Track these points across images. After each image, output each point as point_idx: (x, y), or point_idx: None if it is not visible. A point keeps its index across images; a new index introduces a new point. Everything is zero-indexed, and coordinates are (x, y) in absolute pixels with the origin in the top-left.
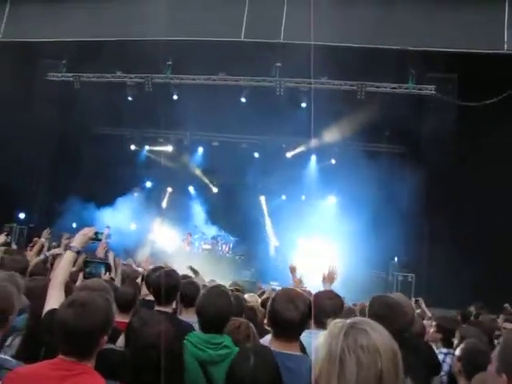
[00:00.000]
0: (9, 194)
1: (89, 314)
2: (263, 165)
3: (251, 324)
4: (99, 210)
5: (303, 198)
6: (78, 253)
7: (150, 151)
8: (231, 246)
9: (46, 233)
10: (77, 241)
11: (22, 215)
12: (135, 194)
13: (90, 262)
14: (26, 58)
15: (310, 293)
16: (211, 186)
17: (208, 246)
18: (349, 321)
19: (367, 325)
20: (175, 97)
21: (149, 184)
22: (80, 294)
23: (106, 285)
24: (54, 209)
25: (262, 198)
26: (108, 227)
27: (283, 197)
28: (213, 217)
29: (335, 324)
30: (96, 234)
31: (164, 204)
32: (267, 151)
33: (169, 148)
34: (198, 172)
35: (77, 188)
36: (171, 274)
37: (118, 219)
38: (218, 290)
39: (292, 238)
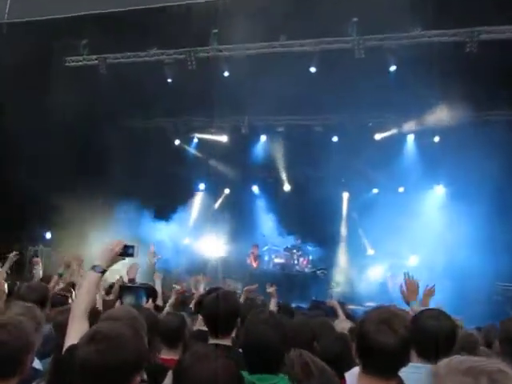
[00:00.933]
0: (27, 208)
1: (114, 349)
2: (345, 152)
3: (315, 358)
4: (152, 222)
5: (401, 189)
6: (103, 272)
7: (200, 145)
8: (310, 258)
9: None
10: (101, 258)
11: (48, 235)
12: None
13: (126, 289)
14: (38, 41)
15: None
16: (282, 183)
17: (281, 260)
18: (487, 362)
19: None
20: (226, 73)
21: (202, 186)
22: (102, 326)
23: (135, 313)
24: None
25: (346, 195)
26: (153, 243)
27: (374, 190)
28: (285, 222)
29: (461, 363)
30: (126, 248)
31: (219, 209)
32: (349, 133)
33: (223, 138)
34: (262, 167)
35: (110, 196)
36: (229, 297)
37: (169, 232)
38: (264, 316)
39: (392, 243)
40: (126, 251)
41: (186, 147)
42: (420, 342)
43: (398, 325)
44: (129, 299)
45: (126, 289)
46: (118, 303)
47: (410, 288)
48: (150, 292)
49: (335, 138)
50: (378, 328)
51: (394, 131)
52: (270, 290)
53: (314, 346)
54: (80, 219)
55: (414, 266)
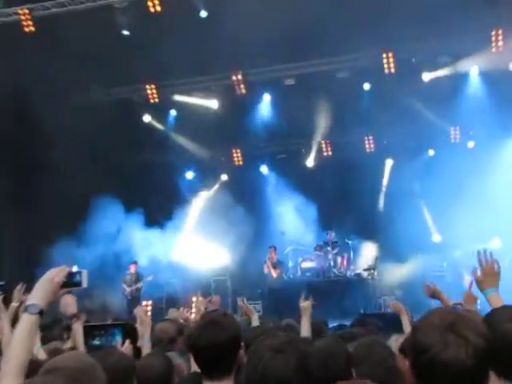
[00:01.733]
0: None
1: None
2: (382, 103)
3: None
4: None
5: (470, 144)
6: (42, 314)
7: (180, 118)
8: (351, 255)
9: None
10: (37, 294)
11: None
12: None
13: (94, 328)
14: None
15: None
16: (300, 157)
17: (311, 263)
18: None
19: None
20: (203, 13)
21: (190, 175)
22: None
23: (88, 361)
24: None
25: (389, 163)
26: (134, 262)
27: (430, 152)
28: (310, 211)
29: None
30: (70, 275)
31: (215, 203)
32: (385, 77)
33: (212, 103)
34: (269, 138)
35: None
36: (224, 322)
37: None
38: (273, 341)
39: (464, 224)
40: (70, 280)
41: (158, 125)
42: (501, 355)
43: (469, 332)
44: (94, 341)
45: (91, 330)
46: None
47: (487, 270)
48: (128, 330)
49: (367, 86)
50: (441, 338)
51: (449, 67)
52: (304, 304)
53: (350, 374)
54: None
55: (497, 251)
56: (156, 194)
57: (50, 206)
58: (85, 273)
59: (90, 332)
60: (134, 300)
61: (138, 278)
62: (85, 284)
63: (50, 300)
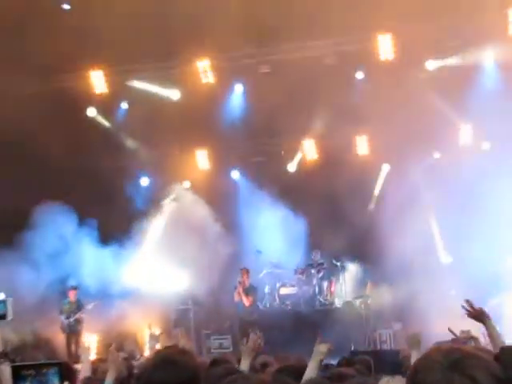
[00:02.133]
0: None
1: None
2: (377, 96)
3: None
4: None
5: (485, 146)
6: None
7: (132, 112)
8: (340, 280)
9: None
10: None
11: None
12: None
13: (24, 369)
14: None
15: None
16: (281, 159)
17: (291, 290)
18: None
19: None
20: None
21: (145, 182)
22: None
23: None
24: None
25: (386, 168)
26: (74, 287)
27: (435, 155)
28: (292, 226)
29: None
30: None
31: (173, 214)
32: (381, 64)
33: (173, 93)
34: (243, 136)
35: None
36: (179, 361)
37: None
38: None
39: (479, 242)
40: None
41: (105, 121)
42: None
43: (477, 371)
44: None
45: (21, 370)
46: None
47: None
48: (65, 371)
49: (359, 74)
50: (445, 378)
51: (459, 54)
52: (321, 348)
53: None
54: None
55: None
56: (105, 204)
57: None
58: (9, 302)
59: (19, 373)
60: (74, 334)
61: (78, 306)
62: (10, 316)
63: None
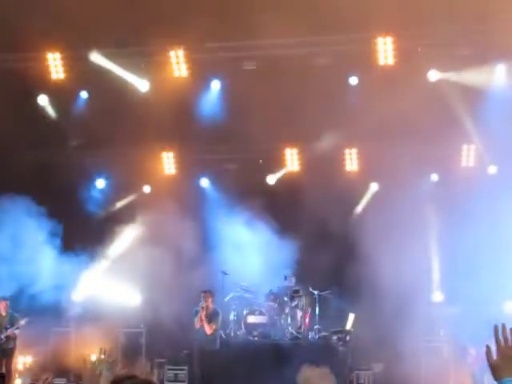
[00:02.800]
0: None
1: None
2: (371, 105)
3: None
4: None
5: (492, 170)
6: None
7: (93, 99)
8: (317, 310)
9: None
10: None
11: None
12: None
13: None
14: None
15: None
16: (259, 169)
17: (259, 318)
18: None
19: None
20: None
21: (101, 183)
22: None
23: None
24: None
25: (373, 187)
26: (5, 299)
27: (433, 177)
28: (265, 244)
29: None
30: None
31: (126, 223)
32: (377, 68)
33: (142, 84)
34: (217, 139)
35: None
36: None
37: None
38: None
39: (476, 279)
40: None
41: (52, 111)
42: None
43: None
44: None
45: None
46: None
47: (507, 352)
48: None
49: (353, 79)
50: None
51: (467, 68)
52: None
53: None
54: None
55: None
56: (55, 206)
57: None
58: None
59: None
60: (5, 354)
61: (10, 321)
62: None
63: None
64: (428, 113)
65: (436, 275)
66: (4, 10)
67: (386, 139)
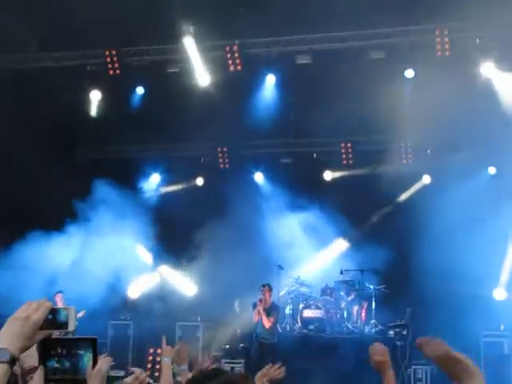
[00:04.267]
0: None
1: None
2: (427, 99)
3: None
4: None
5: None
6: (13, 363)
7: (152, 93)
8: (373, 305)
9: None
10: (6, 337)
11: None
12: None
13: (55, 344)
14: None
15: None
16: (315, 164)
17: (315, 313)
18: None
19: None
20: None
21: (156, 178)
22: None
23: None
24: None
25: (426, 179)
26: (60, 292)
27: (490, 169)
28: (321, 239)
29: None
30: (54, 314)
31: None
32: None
33: (203, 79)
34: (270, 133)
35: None
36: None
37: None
38: None
39: None
40: (54, 319)
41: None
42: None
43: None
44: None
45: (52, 345)
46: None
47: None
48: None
49: (409, 73)
50: None
51: None
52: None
53: None
54: None
55: None
56: (107, 202)
57: None
58: (72, 311)
59: (48, 349)
60: None
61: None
62: (72, 326)
63: (24, 346)
64: (484, 105)
65: (502, 271)
66: (59, 7)
67: (440, 131)
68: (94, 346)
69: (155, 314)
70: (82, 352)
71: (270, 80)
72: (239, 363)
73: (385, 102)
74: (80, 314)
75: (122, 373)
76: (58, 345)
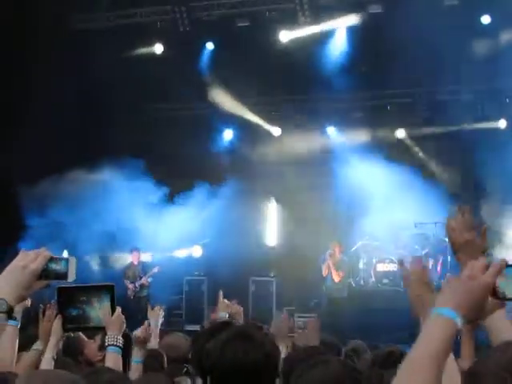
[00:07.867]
0: None
1: None
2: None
3: None
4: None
5: None
6: (10, 313)
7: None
8: (449, 259)
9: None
10: (3, 285)
11: None
12: None
13: (72, 292)
14: None
15: None
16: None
17: (390, 266)
18: None
19: None
20: None
21: (229, 135)
22: None
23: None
24: None
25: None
26: (137, 249)
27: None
28: (399, 190)
29: None
30: (53, 262)
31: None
32: None
33: (156, 49)
34: None
35: None
36: (256, 337)
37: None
38: (322, 371)
39: None
40: (52, 269)
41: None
42: None
43: None
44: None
45: (70, 293)
46: (57, 321)
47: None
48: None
49: (486, 18)
50: None
51: None
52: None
53: None
54: None
55: None
56: (179, 161)
57: None
58: (73, 261)
59: (66, 298)
60: (140, 302)
61: (143, 270)
62: (72, 277)
63: (22, 295)
64: None
65: None
66: None
67: None
68: (111, 292)
69: (228, 269)
70: (99, 299)
71: (341, 32)
72: (312, 318)
73: (460, 50)
74: (155, 270)
75: (197, 327)
76: (76, 293)
